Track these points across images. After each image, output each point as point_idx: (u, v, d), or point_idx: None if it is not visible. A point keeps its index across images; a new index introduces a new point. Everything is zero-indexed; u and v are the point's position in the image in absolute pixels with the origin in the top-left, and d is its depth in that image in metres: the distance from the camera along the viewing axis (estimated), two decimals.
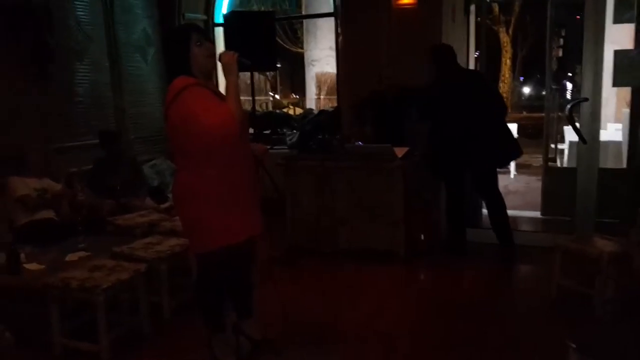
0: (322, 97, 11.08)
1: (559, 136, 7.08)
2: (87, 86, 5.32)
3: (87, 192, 4.62)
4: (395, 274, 4.15)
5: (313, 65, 11.14)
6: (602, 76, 4.37)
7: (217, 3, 6.78)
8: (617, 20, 5.30)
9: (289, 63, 16.00)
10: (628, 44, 5.74)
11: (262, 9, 9.76)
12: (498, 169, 4.44)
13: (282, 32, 12.60)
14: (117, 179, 4.74)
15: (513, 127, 7.42)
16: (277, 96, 16.31)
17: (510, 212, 4.34)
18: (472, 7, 5.16)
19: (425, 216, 4.68)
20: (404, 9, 5.28)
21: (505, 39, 20.23)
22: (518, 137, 6.66)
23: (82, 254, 3.40)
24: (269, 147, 3.41)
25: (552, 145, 6.38)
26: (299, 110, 10.61)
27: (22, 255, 3.19)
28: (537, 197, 5.60)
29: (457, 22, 4.73)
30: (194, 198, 2.46)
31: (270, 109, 11.33)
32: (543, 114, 6.07)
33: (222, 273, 2.66)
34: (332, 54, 7.58)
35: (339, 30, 5.81)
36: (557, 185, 5.14)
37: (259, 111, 6.51)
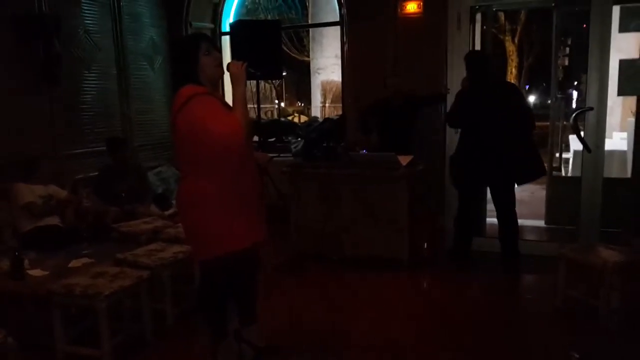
0: (327, 105, 11.13)
1: (563, 145, 7.05)
2: (95, 94, 5.37)
3: (93, 199, 4.65)
4: (399, 282, 4.14)
5: (319, 73, 11.19)
6: (608, 85, 4.36)
7: (224, 12, 6.83)
8: (623, 29, 5.29)
9: (295, 71, 16.06)
10: (634, 52, 5.74)
11: (269, 17, 9.82)
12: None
13: (288, 41, 12.66)
14: (123, 185, 4.77)
15: None
16: (282, 104, 16.37)
17: None
18: (478, 16, 5.18)
19: (429, 224, 4.68)
20: (409, 18, 5.31)
21: (511, 47, 20.21)
22: None
23: (85, 260, 3.42)
24: (274, 155, 3.43)
25: (557, 154, 6.35)
26: (304, 118, 10.64)
27: (26, 261, 3.21)
28: (542, 206, 5.58)
29: (462, 30, 4.74)
30: (198, 205, 2.47)
31: (276, 116, 11.37)
32: (548, 123, 6.05)
33: (225, 280, 2.66)
34: (338, 62, 7.60)
35: (345, 39, 5.84)
36: (562, 194, 5.12)
37: (264, 119, 6.53)
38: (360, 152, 4.80)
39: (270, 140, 6.80)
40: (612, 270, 3.17)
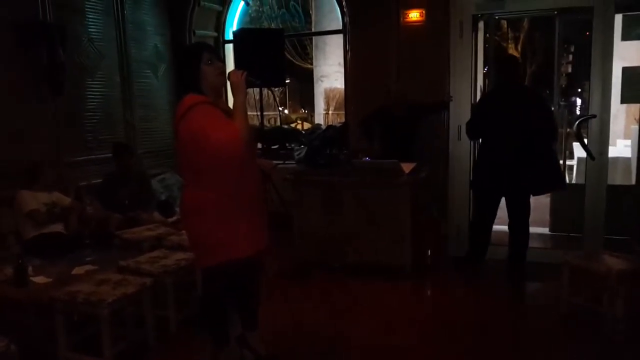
0: (330, 112, 11.14)
1: (567, 152, 7.04)
2: (99, 102, 5.40)
3: (96, 206, 4.66)
4: (402, 289, 4.13)
5: (322, 80, 11.21)
6: (611, 93, 4.36)
7: (227, 20, 6.87)
8: (626, 37, 5.30)
9: (298, 78, 16.09)
10: (637, 60, 5.74)
11: (272, 25, 9.85)
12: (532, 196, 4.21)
13: (291, 48, 12.69)
14: (126, 192, 4.78)
15: None
16: (286, 111, 16.40)
17: None
18: (480, 24, 5.19)
19: (432, 231, 4.67)
20: (411, 26, 5.32)
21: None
22: None
23: (89, 267, 3.42)
24: (278, 162, 3.43)
25: (561, 162, 6.34)
26: (307, 125, 10.66)
27: (30, 268, 3.22)
28: (546, 213, 5.56)
29: (464, 38, 4.75)
30: (200, 212, 2.48)
31: (279, 123, 11.40)
32: None
33: (227, 287, 2.66)
34: (341, 69, 7.62)
35: (348, 47, 5.86)
36: (566, 201, 5.10)
37: (267, 126, 6.54)
38: (363, 159, 4.80)
39: (273, 147, 6.81)
40: (616, 277, 3.15)
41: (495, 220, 4.26)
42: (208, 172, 2.43)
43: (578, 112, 10.95)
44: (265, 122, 6.34)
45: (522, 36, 20.38)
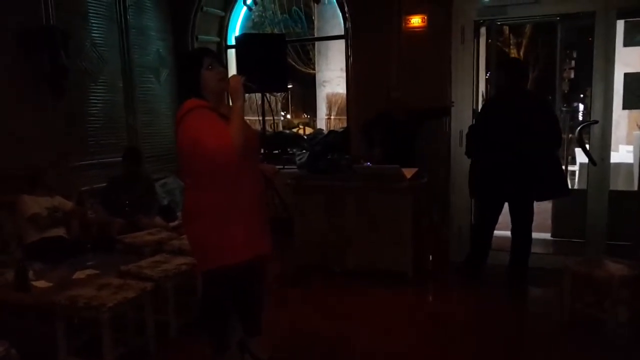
0: (332, 117, 11.15)
1: (569, 158, 7.04)
2: (101, 106, 5.40)
3: (98, 210, 4.66)
4: (403, 294, 4.12)
5: (324, 86, 11.24)
6: (613, 98, 4.36)
7: (230, 25, 6.89)
8: (628, 43, 5.30)
9: (301, 84, 16.13)
10: (639, 66, 5.74)
11: (275, 31, 9.88)
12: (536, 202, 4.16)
13: (294, 54, 12.72)
14: (129, 197, 4.78)
15: None
16: (288, 116, 16.44)
17: None
18: (483, 30, 5.20)
19: (433, 236, 4.66)
20: (413, 32, 5.33)
21: None
22: None
23: (90, 271, 3.42)
24: (279, 167, 3.43)
25: (563, 167, 6.34)
26: (309, 130, 10.67)
27: (31, 273, 3.21)
28: (548, 219, 5.55)
29: (466, 44, 4.76)
30: (200, 216, 2.49)
31: (281, 128, 11.42)
32: None
33: (227, 291, 2.67)
34: (343, 75, 7.64)
35: (350, 52, 5.87)
36: (568, 207, 5.09)
37: (269, 131, 6.55)
38: (364, 164, 4.81)
39: (275, 152, 6.82)
40: (618, 283, 3.14)
41: (498, 226, 4.25)
42: (206, 176, 2.45)
43: (580, 118, 10.94)
44: (268, 127, 6.33)
45: (524, 42, 20.40)
